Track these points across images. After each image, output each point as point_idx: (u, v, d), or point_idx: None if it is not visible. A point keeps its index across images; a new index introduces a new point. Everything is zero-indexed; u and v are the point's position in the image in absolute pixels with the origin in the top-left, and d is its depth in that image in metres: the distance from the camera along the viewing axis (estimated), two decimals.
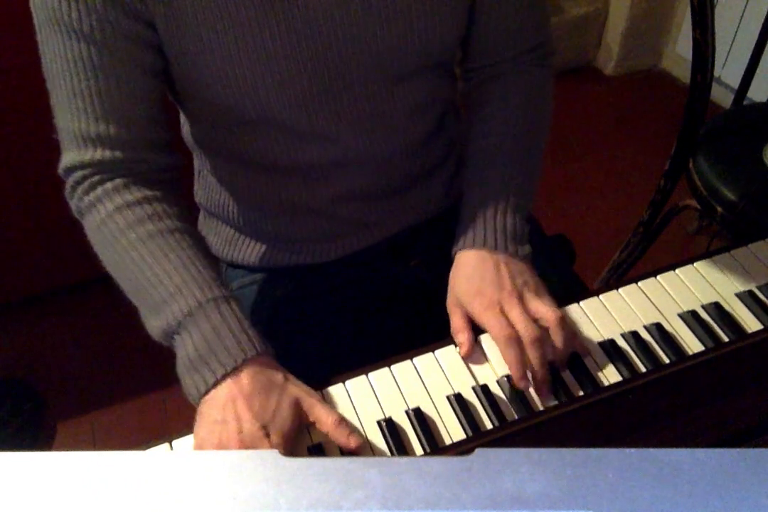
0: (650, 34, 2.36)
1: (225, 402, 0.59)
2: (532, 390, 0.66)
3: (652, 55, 2.44)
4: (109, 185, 0.68)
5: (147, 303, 0.65)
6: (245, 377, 0.60)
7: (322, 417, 0.61)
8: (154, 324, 0.64)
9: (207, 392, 0.61)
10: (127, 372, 1.63)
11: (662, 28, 2.36)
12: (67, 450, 0.35)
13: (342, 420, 0.61)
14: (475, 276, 0.70)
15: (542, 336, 0.65)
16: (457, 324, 0.70)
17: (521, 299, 0.68)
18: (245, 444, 0.57)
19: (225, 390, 0.60)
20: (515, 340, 0.65)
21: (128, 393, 1.58)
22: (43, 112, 1.36)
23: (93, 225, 0.68)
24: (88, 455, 0.35)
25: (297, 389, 0.62)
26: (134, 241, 0.65)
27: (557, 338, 0.66)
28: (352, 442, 0.60)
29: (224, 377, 0.60)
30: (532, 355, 0.65)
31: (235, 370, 0.60)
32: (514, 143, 0.79)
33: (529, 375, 0.65)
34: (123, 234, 0.66)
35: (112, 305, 1.79)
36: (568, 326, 0.68)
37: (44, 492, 0.34)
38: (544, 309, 0.67)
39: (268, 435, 0.58)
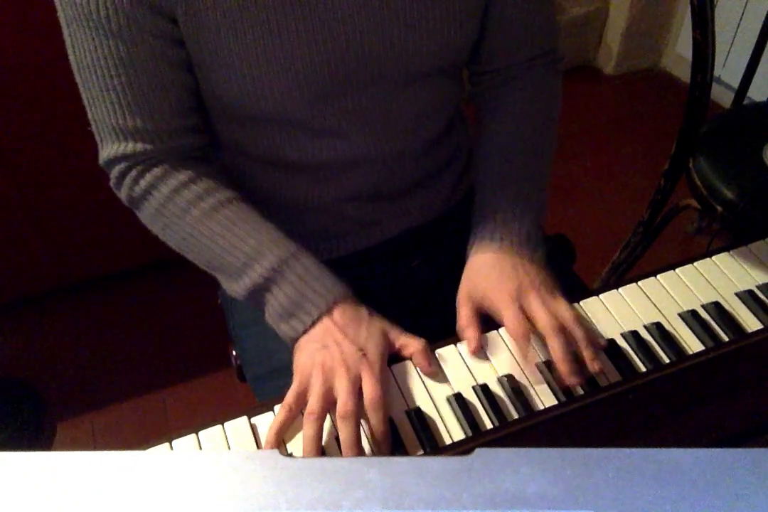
0: (650, 34, 2.36)
1: (323, 334, 0.66)
2: (531, 390, 0.66)
3: (652, 55, 2.44)
4: (157, 170, 0.71)
5: (227, 270, 0.70)
6: (337, 313, 0.67)
7: (409, 342, 0.68)
8: (239, 287, 0.69)
9: (305, 332, 0.67)
10: (127, 372, 1.63)
11: (662, 28, 2.36)
12: (67, 450, 0.35)
13: (426, 345, 0.67)
14: (493, 274, 0.72)
15: (559, 325, 0.66)
16: (465, 320, 0.71)
17: (541, 293, 0.69)
18: (347, 364, 0.63)
19: (320, 325, 0.67)
20: (528, 338, 0.66)
21: (128, 393, 1.58)
22: (43, 111, 1.36)
23: (151, 210, 0.72)
24: (88, 455, 0.35)
25: (382, 321, 0.69)
26: (199, 216, 0.70)
27: (577, 333, 0.66)
28: (434, 369, 0.66)
29: (319, 317, 0.67)
30: (555, 344, 0.65)
31: (327, 310, 0.67)
32: (526, 148, 0.80)
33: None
34: (186, 212, 0.70)
35: (112, 305, 1.80)
36: (585, 324, 0.69)
37: (44, 492, 0.34)
38: (562, 308, 0.68)
39: (365, 356, 0.64)
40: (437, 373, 0.67)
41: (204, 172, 0.72)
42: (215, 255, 0.70)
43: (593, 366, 0.65)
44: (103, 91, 0.66)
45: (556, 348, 0.64)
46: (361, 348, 0.65)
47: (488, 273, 0.72)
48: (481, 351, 0.69)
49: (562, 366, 0.64)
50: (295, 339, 0.68)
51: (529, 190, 0.78)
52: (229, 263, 0.69)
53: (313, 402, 0.61)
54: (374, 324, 0.68)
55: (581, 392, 0.65)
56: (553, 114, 0.84)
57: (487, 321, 0.71)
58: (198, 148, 0.75)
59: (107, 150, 0.71)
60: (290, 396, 0.63)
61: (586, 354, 0.65)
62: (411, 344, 0.67)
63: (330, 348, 0.64)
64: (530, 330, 0.67)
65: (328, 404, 0.62)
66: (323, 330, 0.66)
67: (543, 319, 0.66)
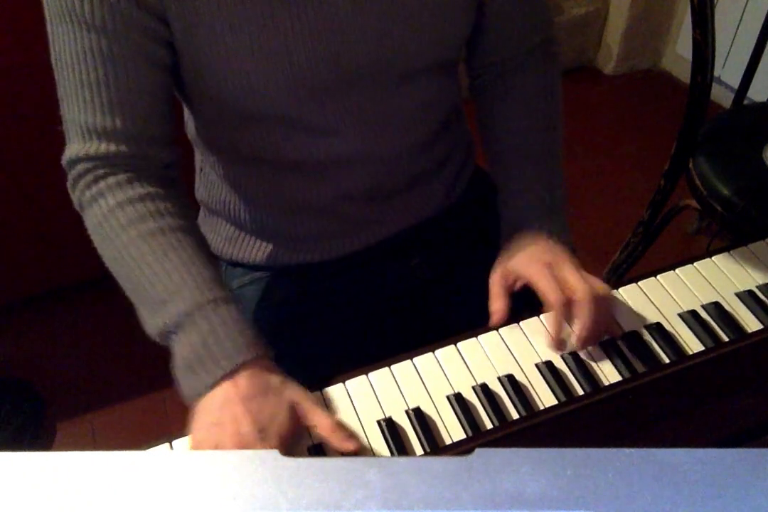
0: (650, 34, 2.36)
1: (222, 405, 0.59)
2: (532, 390, 0.66)
3: (652, 55, 2.44)
4: (111, 180, 0.67)
5: (145, 301, 0.64)
6: (242, 380, 0.60)
7: (319, 421, 0.61)
8: (152, 323, 0.64)
9: (204, 394, 0.60)
10: (127, 372, 1.63)
11: (662, 28, 2.36)
12: (67, 450, 0.35)
13: (339, 424, 0.61)
14: (528, 248, 0.73)
15: (595, 297, 0.67)
16: (494, 292, 0.72)
17: (574, 267, 0.71)
18: (242, 447, 0.57)
19: (222, 392, 0.60)
20: (568, 305, 0.68)
21: (128, 393, 1.58)
22: (43, 112, 1.36)
23: (94, 219, 0.68)
24: (88, 455, 0.35)
25: (294, 392, 0.62)
26: (134, 238, 0.65)
27: (604, 307, 0.68)
28: (351, 446, 0.60)
29: (221, 379, 0.60)
30: (584, 312, 0.67)
31: (232, 373, 0.60)
32: (537, 125, 0.81)
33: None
34: (124, 230, 0.65)
35: (112, 305, 1.78)
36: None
37: (44, 492, 0.34)
38: (597, 281, 0.70)
39: (264, 439, 0.58)
40: (359, 448, 0.60)
41: (159, 193, 0.68)
42: (138, 283, 0.64)
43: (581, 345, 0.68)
44: (77, 88, 0.65)
45: (583, 316, 0.67)
46: (262, 428, 0.58)
47: (522, 248, 0.74)
48: (481, 351, 0.69)
49: (581, 333, 0.67)
50: (193, 402, 0.61)
51: (548, 165, 0.80)
52: (148, 295, 0.64)
53: None
54: (283, 397, 0.61)
55: (581, 392, 0.65)
56: (557, 101, 0.85)
57: (486, 320, 0.71)
58: (165, 164, 0.72)
59: (72, 149, 0.68)
60: None
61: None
62: (320, 424, 0.61)
63: (226, 426, 0.58)
64: (567, 299, 0.68)
65: None
66: (223, 399, 0.59)
67: (579, 288, 0.68)
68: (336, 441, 0.60)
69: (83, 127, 0.66)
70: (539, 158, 0.80)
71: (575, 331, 0.68)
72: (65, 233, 1.60)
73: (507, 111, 0.83)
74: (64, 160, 0.70)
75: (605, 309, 0.69)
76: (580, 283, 0.68)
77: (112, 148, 0.67)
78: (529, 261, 0.71)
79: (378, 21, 0.67)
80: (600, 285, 0.69)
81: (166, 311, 0.62)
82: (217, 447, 0.58)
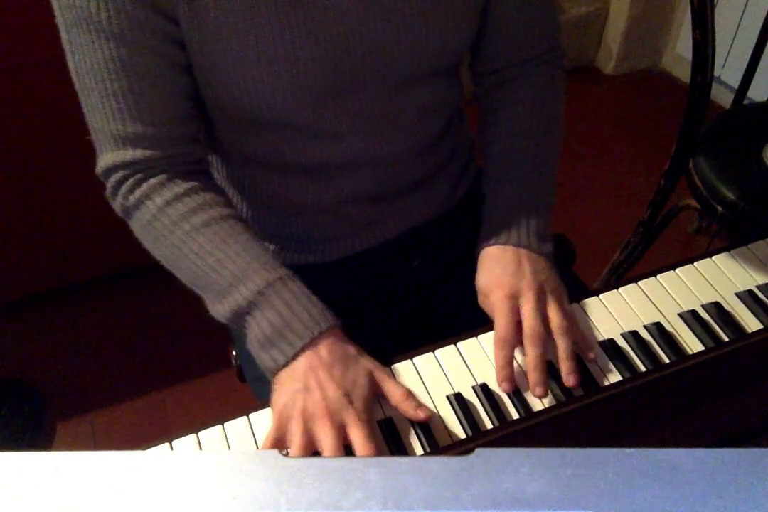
0: (650, 34, 2.36)
1: (306, 372, 0.62)
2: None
3: (652, 55, 2.44)
4: (153, 181, 0.69)
5: (212, 289, 0.67)
6: (322, 348, 0.63)
7: (391, 391, 0.63)
8: (222, 309, 0.66)
9: (286, 364, 0.63)
10: (127, 372, 1.63)
11: (662, 28, 2.36)
12: (67, 450, 0.35)
13: (410, 394, 0.63)
14: (496, 268, 0.72)
15: (542, 335, 0.66)
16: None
17: (540, 295, 0.69)
18: (330, 411, 0.59)
19: (304, 360, 0.62)
20: (508, 343, 0.66)
21: (128, 393, 1.58)
22: (44, 111, 1.36)
23: (143, 221, 0.69)
24: (88, 455, 0.35)
25: (369, 361, 0.65)
26: (190, 231, 0.67)
27: (559, 343, 0.66)
28: (421, 414, 0.62)
29: (302, 349, 0.63)
30: (529, 352, 0.65)
31: (312, 342, 0.63)
32: (532, 144, 0.80)
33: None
34: (177, 225, 0.67)
35: (113, 305, 1.79)
36: (576, 331, 0.69)
37: (44, 492, 0.34)
38: (555, 316, 0.68)
39: (350, 402, 0.60)
40: (429, 416, 0.62)
41: (201, 186, 0.71)
42: (202, 273, 0.66)
43: (567, 380, 0.65)
44: (102, 97, 0.65)
45: (529, 358, 0.65)
46: (347, 393, 0.61)
47: (491, 269, 0.73)
48: (481, 351, 0.69)
49: (532, 376, 0.64)
50: (275, 373, 0.64)
51: (538, 185, 0.78)
52: (214, 282, 0.66)
53: (295, 454, 0.58)
54: (361, 364, 0.64)
55: (581, 392, 0.65)
56: (557, 111, 0.84)
57: (486, 320, 0.71)
58: (198, 160, 0.73)
59: (105, 158, 0.69)
60: (268, 442, 0.60)
61: (563, 367, 0.65)
62: (393, 392, 0.63)
63: (312, 391, 0.60)
64: (515, 344, 0.67)
65: (310, 454, 0.59)
66: (307, 366, 0.62)
67: (526, 324, 0.67)
68: (408, 408, 0.62)
69: (113, 135, 0.67)
70: (529, 175, 0.79)
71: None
72: (65, 233, 1.60)
73: (502, 121, 0.82)
74: (99, 170, 0.70)
75: (568, 340, 0.66)
76: (528, 320, 0.66)
77: (147, 153, 0.68)
78: (494, 287, 0.70)
79: (382, 27, 0.67)
80: (556, 321, 0.67)
81: (237, 294, 0.65)
82: (305, 411, 0.60)
